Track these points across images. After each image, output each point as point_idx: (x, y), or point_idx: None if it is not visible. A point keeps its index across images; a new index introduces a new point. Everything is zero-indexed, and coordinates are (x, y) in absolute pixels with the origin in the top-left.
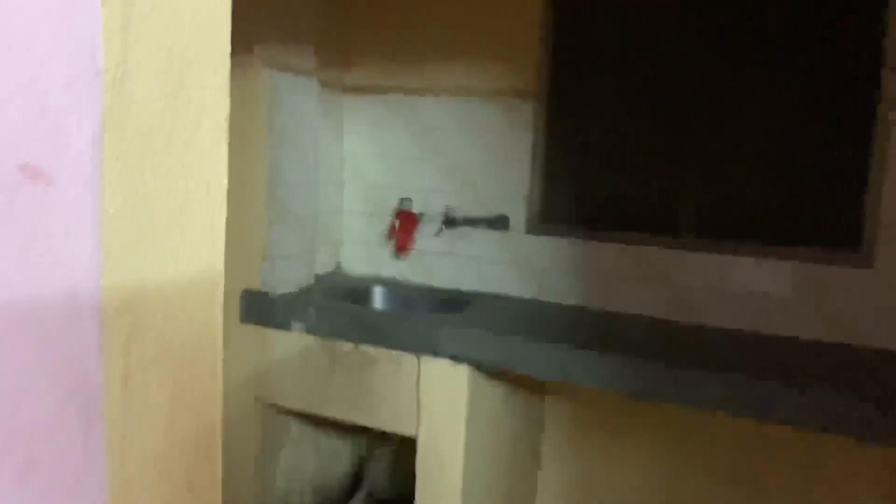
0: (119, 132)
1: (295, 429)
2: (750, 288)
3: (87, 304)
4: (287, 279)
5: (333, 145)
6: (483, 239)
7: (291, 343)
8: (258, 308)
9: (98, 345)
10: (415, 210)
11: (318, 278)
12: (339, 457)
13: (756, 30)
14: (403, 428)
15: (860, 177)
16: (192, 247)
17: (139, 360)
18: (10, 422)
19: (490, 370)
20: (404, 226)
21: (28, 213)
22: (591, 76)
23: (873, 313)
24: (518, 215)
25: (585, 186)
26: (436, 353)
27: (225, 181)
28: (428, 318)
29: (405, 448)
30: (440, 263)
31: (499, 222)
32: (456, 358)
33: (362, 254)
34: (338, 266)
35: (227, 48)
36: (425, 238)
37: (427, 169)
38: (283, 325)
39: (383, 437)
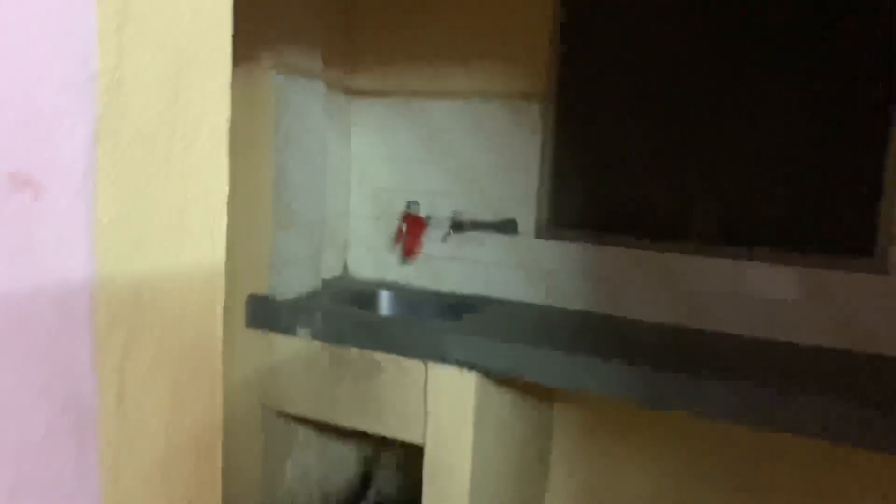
0: (114, 138)
1: (301, 435)
2: (762, 293)
3: (80, 317)
4: (293, 284)
5: (340, 148)
6: (491, 243)
7: (297, 348)
8: (264, 313)
9: (91, 359)
10: (422, 213)
11: (325, 282)
12: (345, 462)
13: (768, 32)
14: (410, 435)
15: (875, 181)
16: (191, 256)
17: (135, 374)
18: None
19: (498, 377)
20: (411, 229)
21: (17, 223)
22: (601, 78)
23: (888, 320)
24: (527, 219)
25: (595, 190)
26: (443, 359)
27: (226, 188)
28: (435, 324)
29: (411, 454)
30: (447, 268)
31: (507, 226)
32: (463, 364)
33: (369, 258)
34: (345, 270)
35: (229, 49)
36: (432, 242)
37: (434, 172)
38: (289, 331)
39: (390, 441)
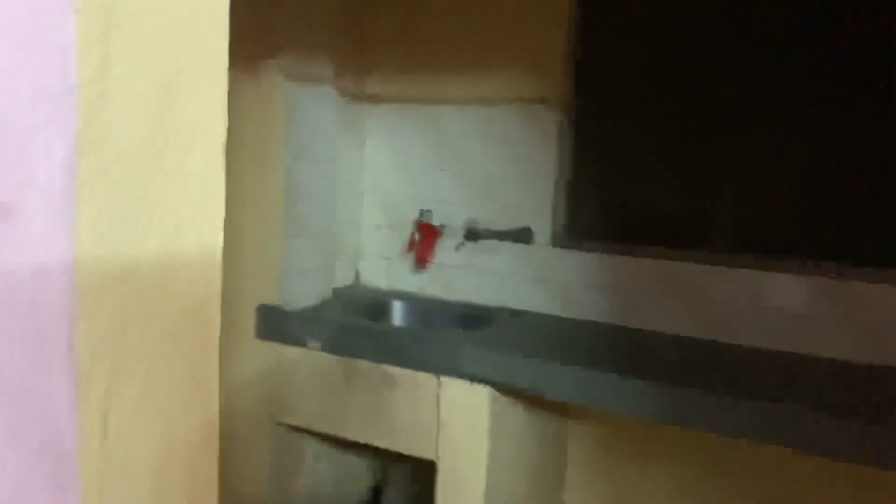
0: (97, 156)
1: (311, 448)
2: (784, 305)
3: (58, 354)
4: (305, 294)
5: (352, 156)
6: (505, 252)
7: (307, 360)
8: (274, 323)
9: (72, 398)
10: (435, 222)
11: (337, 292)
12: (356, 476)
13: (791, 40)
14: (423, 451)
15: None
16: (185, 283)
17: (120, 412)
18: None
19: (512, 391)
20: (424, 238)
21: None
22: (618, 83)
23: None
24: (542, 228)
25: (612, 198)
26: (456, 372)
27: (222, 207)
28: (448, 336)
29: (423, 468)
30: (461, 277)
31: (522, 235)
32: (477, 378)
33: (381, 267)
34: (356, 279)
35: (225, 56)
36: (446, 251)
37: (448, 180)
38: (299, 342)
39: (402, 455)
